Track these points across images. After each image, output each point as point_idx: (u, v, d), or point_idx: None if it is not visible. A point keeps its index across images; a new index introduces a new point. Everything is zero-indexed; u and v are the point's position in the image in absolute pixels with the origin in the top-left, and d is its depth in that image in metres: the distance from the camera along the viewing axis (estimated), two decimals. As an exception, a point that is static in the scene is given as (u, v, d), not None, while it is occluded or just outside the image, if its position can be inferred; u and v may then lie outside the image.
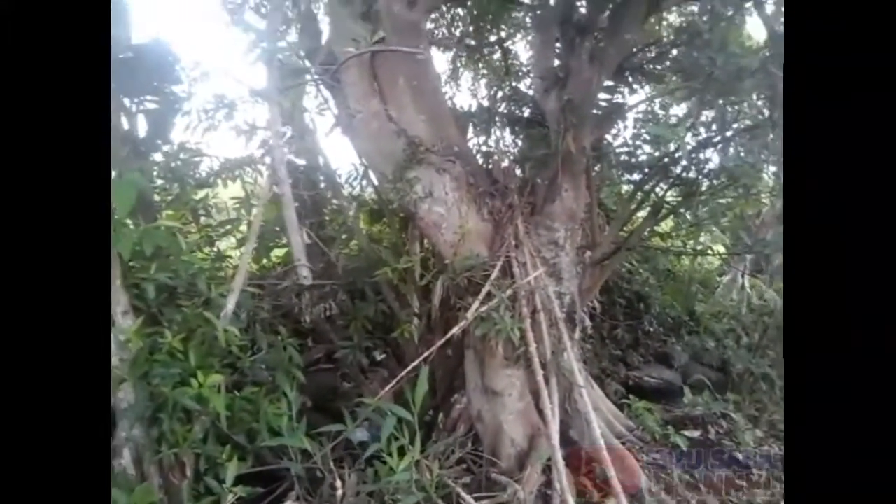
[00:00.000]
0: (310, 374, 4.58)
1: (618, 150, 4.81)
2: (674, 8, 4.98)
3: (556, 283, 3.87)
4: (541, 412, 3.34)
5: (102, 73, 1.53)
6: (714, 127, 3.59)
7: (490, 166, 4.30)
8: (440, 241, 3.76)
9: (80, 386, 1.38)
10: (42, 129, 1.40)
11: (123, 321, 2.73)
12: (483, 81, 7.14)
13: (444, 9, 6.02)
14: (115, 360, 2.66)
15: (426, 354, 3.07)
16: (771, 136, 3.60)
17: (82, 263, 1.42)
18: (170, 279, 2.91)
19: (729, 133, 3.65)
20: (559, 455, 3.09)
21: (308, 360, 4.87)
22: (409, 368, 3.07)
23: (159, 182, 4.54)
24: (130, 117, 4.54)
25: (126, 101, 4.46)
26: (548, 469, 3.28)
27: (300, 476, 2.90)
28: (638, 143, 4.64)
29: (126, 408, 2.65)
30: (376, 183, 4.79)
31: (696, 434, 4.38)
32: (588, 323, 4.96)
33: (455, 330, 3.26)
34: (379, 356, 5.58)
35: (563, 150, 3.77)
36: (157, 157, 4.53)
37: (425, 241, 4.70)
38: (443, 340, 3.27)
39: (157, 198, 4.31)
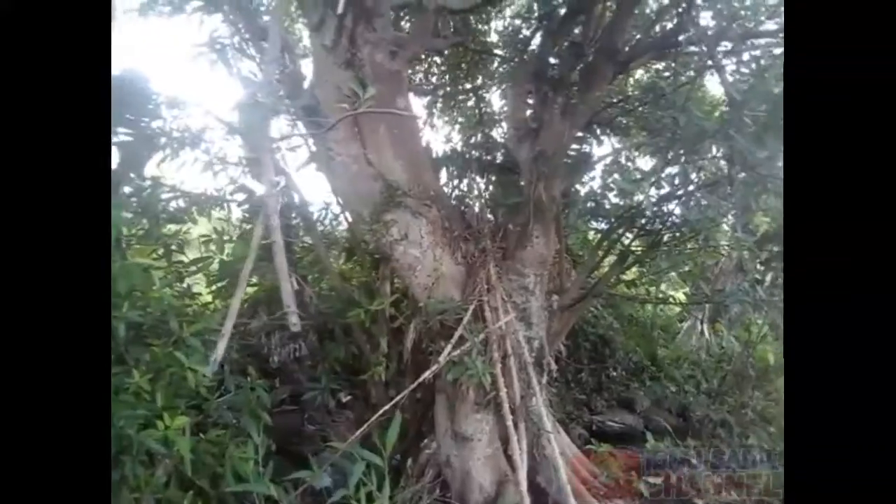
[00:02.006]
0: (274, 416, 4.49)
1: (585, 200, 5.00)
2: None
3: (526, 327, 3.95)
4: (509, 458, 3.36)
5: (103, 76, 1.54)
6: (677, 181, 3.81)
7: (464, 211, 4.41)
8: (414, 283, 3.81)
9: (80, 389, 1.38)
10: (42, 133, 1.40)
11: (89, 360, 2.65)
12: (457, 127, 7.37)
13: (423, 57, 6.24)
14: (77, 401, 2.58)
15: (398, 398, 3.08)
16: (729, 190, 3.84)
17: (82, 267, 1.42)
18: (139, 317, 2.86)
19: (690, 188, 3.87)
20: (527, 501, 3.10)
21: (273, 401, 4.77)
22: (382, 412, 3.06)
23: (128, 216, 4.48)
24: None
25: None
26: None
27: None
28: (605, 192, 4.85)
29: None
30: (350, 220, 4.83)
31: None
32: (554, 367, 5.04)
33: (428, 374, 3.28)
34: (344, 398, 5.50)
35: (534, 198, 3.92)
36: (126, 189, 4.50)
37: (395, 281, 4.74)
38: (415, 384, 3.28)
39: (125, 231, 4.24)
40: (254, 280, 4.81)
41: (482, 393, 3.44)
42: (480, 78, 6.57)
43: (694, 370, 6.94)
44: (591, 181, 4.87)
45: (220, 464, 2.97)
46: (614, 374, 6.88)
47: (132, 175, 4.58)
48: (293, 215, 5.24)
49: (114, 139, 4.45)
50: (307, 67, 4.59)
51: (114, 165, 4.37)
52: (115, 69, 3.93)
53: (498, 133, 6.33)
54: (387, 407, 3.09)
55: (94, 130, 1.48)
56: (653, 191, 3.93)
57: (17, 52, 1.37)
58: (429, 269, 3.77)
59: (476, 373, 3.25)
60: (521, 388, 3.58)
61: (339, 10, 3.21)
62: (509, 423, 3.30)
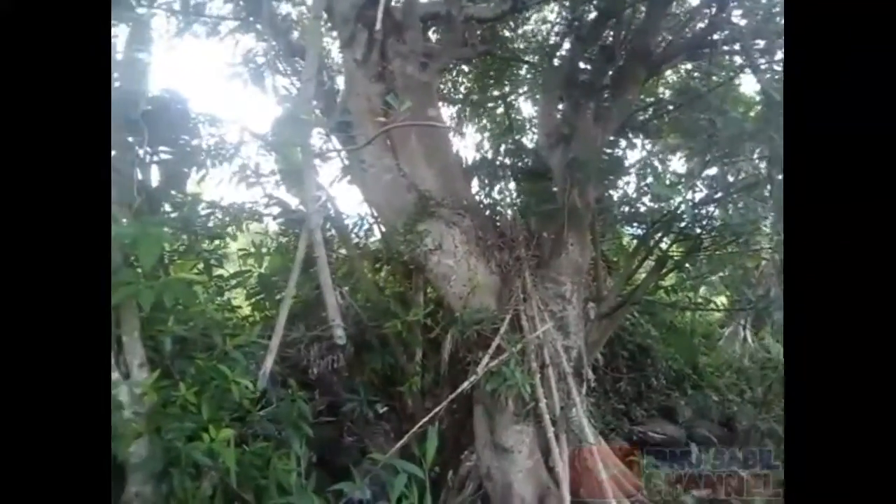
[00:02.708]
0: (315, 427, 4.52)
1: (620, 205, 4.92)
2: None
3: (564, 336, 3.89)
4: (550, 470, 3.30)
5: (103, 76, 1.53)
6: (714, 184, 3.72)
7: (497, 219, 4.39)
8: (449, 293, 3.81)
9: (80, 396, 1.37)
10: (42, 134, 1.39)
11: (139, 373, 2.73)
12: (487, 135, 7.36)
13: (452, 66, 6.27)
14: (128, 413, 2.65)
15: (437, 409, 3.06)
16: (768, 191, 3.71)
17: (82, 269, 1.41)
18: (184, 331, 2.93)
19: (729, 190, 3.77)
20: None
21: (312, 412, 4.81)
22: (421, 424, 3.05)
23: (167, 230, 4.60)
24: (143, 168, 4.66)
25: (140, 152, 4.60)
26: None
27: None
28: (640, 197, 4.76)
29: (138, 462, 2.62)
30: (384, 230, 4.87)
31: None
32: (591, 376, 4.95)
33: (466, 385, 3.26)
34: (381, 409, 5.51)
35: (568, 205, 3.87)
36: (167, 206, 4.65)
37: (429, 291, 4.74)
38: (453, 395, 3.27)
39: (168, 248, 4.37)
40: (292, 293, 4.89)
41: (521, 404, 3.39)
42: (509, 85, 6.56)
43: (738, 378, 6.72)
44: (626, 186, 4.80)
45: (264, 476, 2.99)
46: (654, 383, 6.72)
47: (173, 192, 4.74)
48: (328, 227, 5.32)
49: (155, 158, 4.63)
50: (339, 81, 4.68)
51: (155, 183, 4.53)
52: (155, 89, 4.07)
53: (528, 140, 6.31)
54: (426, 419, 3.08)
55: (94, 131, 1.47)
56: (690, 194, 3.85)
57: (17, 52, 1.37)
58: (463, 278, 3.76)
59: (515, 383, 3.21)
60: (560, 399, 3.52)
61: (377, 27, 3.25)
62: (550, 434, 3.25)
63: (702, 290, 6.55)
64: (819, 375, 1.32)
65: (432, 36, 5.58)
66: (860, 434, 1.26)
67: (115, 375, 2.70)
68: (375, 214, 4.71)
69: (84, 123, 1.45)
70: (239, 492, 2.88)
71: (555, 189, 4.19)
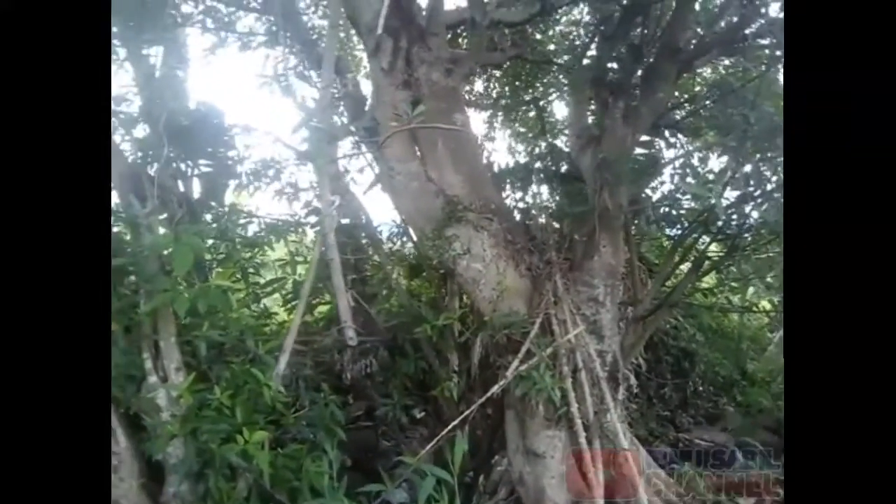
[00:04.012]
0: (349, 432, 4.58)
1: (656, 205, 4.80)
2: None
3: (598, 340, 3.82)
4: (584, 476, 3.23)
5: (103, 75, 1.53)
6: (752, 181, 3.57)
7: (528, 223, 4.36)
8: (478, 297, 3.80)
9: (80, 398, 1.38)
10: (42, 133, 1.40)
11: (176, 377, 2.84)
12: (519, 139, 7.33)
13: (480, 70, 6.29)
14: (165, 416, 2.76)
15: (465, 414, 3.06)
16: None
17: (81, 270, 1.42)
18: (220, 336, 3.03)
19: (768, 187, 3.61)
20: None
21: (348, 417, 4.89)
22: (449, 428, 3.05)
23: (210, 242, 4.80)
24: (185, 180, 4.88)
25: (182, 166, 4.82)
26: None
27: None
28: (677, 196, 4.63)
29: (175, 463, 2.72)
30: (415, 238, 4.91)
31: (750, 502, 4.12)
32: (633, 381, 4.82)
33: (495, 389, 3.24)
34: (418, 414, 5.54)
35: (600, 207, 3.81)
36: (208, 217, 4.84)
37: (464, 296, 4.74)
38: (482, 400, 3.25)
39: (207, 256, 4.54)
40: (327, 298, 4.99)
41: (552, 408, 3.34)
42: (541, 88, 6.52)
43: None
44: (662, 185, 4.67)
45: (298, 478, 3.06)
46: (700, 388, 6.49)
47: (213, 203, 4.94)
48: (362, 235, 5.41)
49: (195, 171, 4.84)
50: (368, 90, 4.76)
51: (195, 195, 4.73)
52: (192, 103, 4.26)
53: (561, 142, 6.25)
54: (455, 423, 3.08)
55: (94, 131, 1.47)
56: (729, 192, 3.71)
57: (17, 51, 1.37)
58: (493, 282, 3.75)
59: (544, 387, 3.17)
60: (594, 404, 3.45)
61: (379, 29, 3.30)
62: (582, 439, 3.19)
63: (750, 292, 6.31)
64: (820, 382, 1.32)
65: (461, 42, 5.63)
66: (861, 436, 1.26)
67: (153, 379, 2.83)
68: (405, 220, 4.74)
69: (84, 123, 1.45)
70: (273, 493, 2.95)
71: (586, 191, 4.13)
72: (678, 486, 4.18)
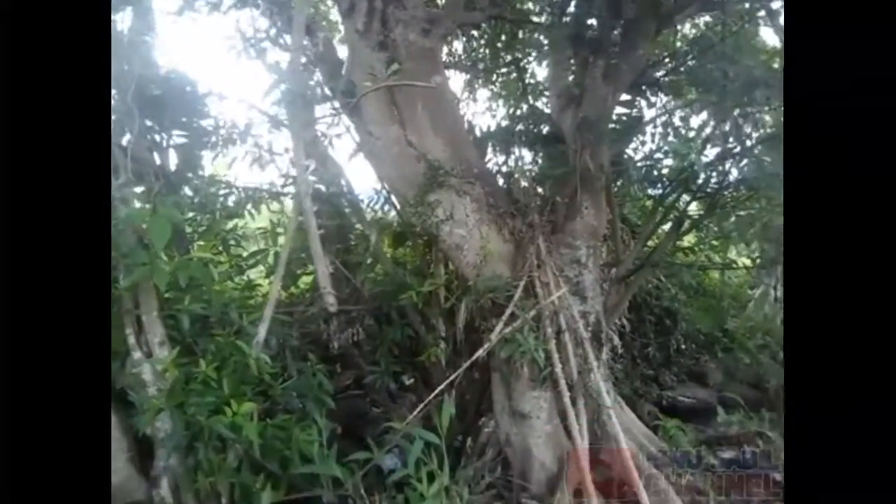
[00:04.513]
0: (340, 401, 4.61)
1: (638, 165, 4.79)
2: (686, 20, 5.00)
3: (581, 302, 3.86)
4: (570, 434, 3.30)
5: (102, 73, 1.53)
6: (731, 138, 3.57)
7: (510, 187, 4.34)
8: (462, 262, 3.80)
9: (79, 392, 1.39)
10: (42, 130, 1.39)
11: (160, 351, 2.82)
12: (500, 101, 7.22)
13: (459, 32, 6.13)
14: (152, 391, 2.75)
15: (451, 378, 3.09)
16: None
17: (82, 266, 1.42)
18: (203, 309, 3.00)
19: (748, 143, 3.61)
20: (589, 478, 3.05)
21: (337, 386, 4.92)
22: (436, 393, 3.08)
23: (190, 214, 4.72)
24: (161, 152, 4.76)
25: (157, 137, 4.70)
26: (579, 492, 3.23)
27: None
28: (658, 156, 4.62)
29: (164, 437, 2.72)
30: (398, 207, 4.87)
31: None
32: (617, 342, 4.89)
33: (480, 353, 3.26)
34: (407, 381, 5.59)
35: (581, 168, 3.79)
36: (187, 190, 4.75)
37: (449, 264, 4.74)
38: (467, 364, 3.28)
39: (188, 229, 4.46)
40: (311, 268, 4.96)
41: (536, 370, 3.39)
42: (520, 48, 6.38)
43: (768, 339, 6.55)
44: (643, 146, 4.66)
45: (288, 447, 3.08)
46: (683, 347, 6.62)
47: (190, 175, 4.83)
48: (345, 204, 5.34)
49: (170, 142, 4.72)
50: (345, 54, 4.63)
51: (172, 167, 4.62)
52: (161, 71, 4.11)
53: (542, 104, 6.16)
54: (441, 387, 3.11)
55: (94, 127, 1.46)
56: (706, 148, 3.71)
57: (17, 49, 1.36)
58: (476, 247, 3.75)
59: (528, 349, 3.20)
60: (578, 364, 3.51)
61: None
62: (566, 399, 3.24)
63: (731, 252, 6.38)
64: (820, 381, 1.32)
65: (439, 2, 5.46)
66: (861, 433, 1.26)
67: (137, 354, 2.80)
68: (388, 187, 4.69)
69: (84, 120, 1.45)
70: (263, 462, 2.97)
71: (568, 152, 4.10)
72: (660, 441, 4.31)
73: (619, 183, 4.84)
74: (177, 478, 2.77)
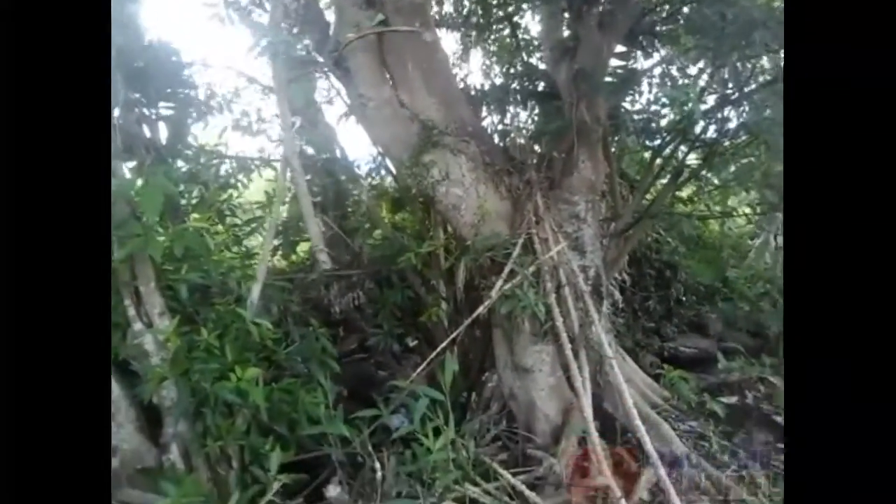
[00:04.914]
0: (346, 365, 4.66)
1: (636, 117, 4.71)
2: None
3: (580, 256, 3.85)
4: (573, 386, 3.34)
5: (102, 70, 1.51)
6: (730, 84, 3.49)
7: (506, 144, 4.28)
8: (460, 223, 3.78)
9: (80, 387, 1.38)
10: (42, 128, 1.38)
11: (160, 322, 2.83)
12: (494, 59, 7.05)
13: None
14: (155, 360, 2.77)
15: (453, 336, 3.12)
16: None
17: (82, 263, 1.41)
18: (202, 279, 3.00)
19: (747, 89, 3.54)
20: (593, 427, 3.10)
21: (343, 350, 4.96)
22: (438, 350, 3.11)
23: (183, 186, 4.69)
24: (150, 125, 4.70)
25: (145, 111, 4.62)
26: (584, 441, 3.29)
27: (342, 462, 2.97)
28: (655, 107, 4.54)
29: (170, 405, 2.76)
30: (394, 171, 4.83)
31: (733, 400, 4.33)
32: (618, 296, 4.91)
33: (480, 310, 3.28)
34: (411, 342, 5.64)
35: (577, 121, 3.73)
36: (179, 162, 4.70)
37: (448, 226, 4.72)
38: (468, 321, 3.30)
39: (183, 202, 4.43)
40: (308, 236, 4.94)
41: (537, 324, 3.41)
42: (513, 2, 6.20)
43: (769, 287, 6.58)
44: (640, 97, 4.57)
45: (295, 410, 3.13)
46: (683, 299, 6.66)
47: (181, 147, 4.77)
48: (339, 170, 5.30)
49: (158, 113, 4.65)
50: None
51: (162, 140, 4.56)
52: (144, 42, 4.00)
53: (537, 59, 6.02)
54: (443, 345, 3.14)
55: (94, 124, 1.45)
56: (704, 95, 3.63)
57: (16, 47, 1.35)
58: (473, 206, 3.72)
59: (528, 304, 3.21)
60: (578, 317, 3.53)
61: None
62: (568, 351, 3.27)
63: (730, 201, 6.34)
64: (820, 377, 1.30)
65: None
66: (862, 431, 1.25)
67: (137, 325, 2.81)
68: (382, 151, 4.63)
69: (84, 116, 1.43)
70: (271, 425, 3.02)
71: (564, 108, 4.03)
72: (662, 389, 4.37)
73: (616, 137, 4.77)
74: (186, 443, 2.82)
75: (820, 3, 1.37)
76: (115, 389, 2.80)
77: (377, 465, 2.72)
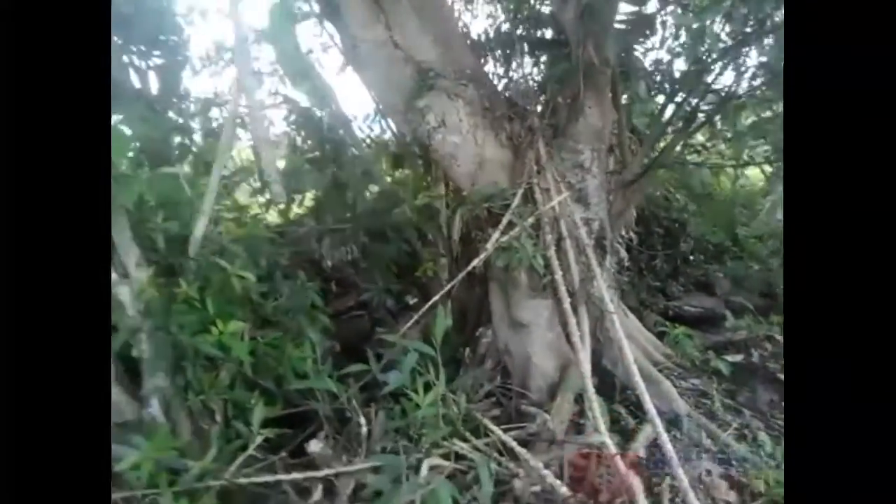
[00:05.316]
0: (342, 321, 4.55)
1: (648, 63, 4.43)
2: None
3: (584, 208, 3.67)
4: (571, 342, 3.21)
5: (102, 73, 1.46)
6: (751, 18, 3.20)
7: (508, 88, 4.04)
8: (457, 172, 3.59)
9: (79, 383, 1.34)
10: (42, 125, 1.34)
11: (137, 273, 2.69)
12: (500, 5, 6.68)
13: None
14: (132, 312, 2.65)
15: (446, 289, 2.97)
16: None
17: (82, 260, 1.37)
18: (181, 229, 2.84)
19: (768, 24, 3.25)
20: (590, 384, 2.97)
21: (338, 308, 4.85)
22: (429, 304, 2.97)
23: (178, 140, 4.55)
24: (141, 74, 4.54)
25: (135, 60, 4.45)
26: (580, 398, 3.18)
27: (328, 417, 2.88)
28: (668, 53, 4.26)
29: (148, 358, 2.65)
30: (392, 124, 4.62)
31: (738, 358, 4.19)
32: (624, 254, 4.75)
33: (475, 262, 3.12)
34: (411, 300, 5.53)
35: (584, 63, 3.48)
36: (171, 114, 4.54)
37: (451, 182, 4.53)
38: (462, 274, 3.15)
39: (177, 153, 4.27)
40: (310, 195, 4.78)
41: (536, 278, 3.25)
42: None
43: (779, 245, 6.35)
44: (652, 39, 4.26)
45: (281, 364, 3.03)
46: (691, 258, 6.47)
47: (175, 99, 4.61)
48: (336, 124, 5.08)
49: (150, 63, 4.48)
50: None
51: (154, 91, 4.39)
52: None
53: (546, 3, 5.68)
54: (435, 298, 2.99)
55: (93, 122, 1.40)
56: (723, 34, 3.35)
57: (16, 46, 1.31)
58: (471, 155, 3.52)
59: (525, 256, 3.05)
60: (580, 271, 3.37)
61: None
62: (566, 306, 3.12)
63: (745, 155, 6.04)
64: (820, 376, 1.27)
65: None
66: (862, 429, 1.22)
67: (113, 276, 2.68)
68: (376, 98, 4.40)
69: (83, 115, 1.39)
70: (257, 379, 2.93)
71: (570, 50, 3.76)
72: (665, 347, 4.24)
73: (627, 88, 4.49)
74: (167, 397, 2.73)
75: (820, 3, 1.32)
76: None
77: (362, 420, 2.62)
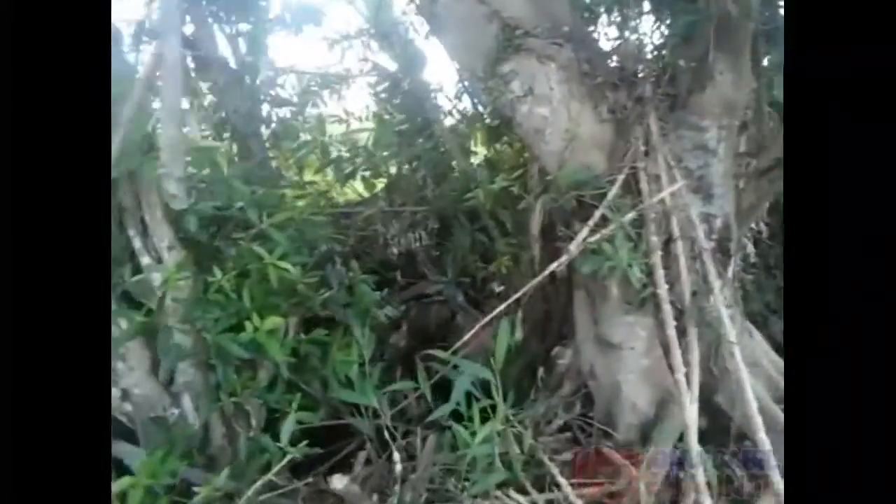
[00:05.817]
0: (425, 307, 4.15)
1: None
2: None
3: (704, 201, 2.92)
4: (673, 371, 2.54)
5: (102, 73, 1.43)
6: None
7: (614, 48, 3.35)
8: (543, 151, 3.00)
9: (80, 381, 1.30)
10: (42, 124, 1.30)
11: (169, 257, 2.45)
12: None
13: None
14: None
15: (513, 298, 2.43)
16: None
17: (82, 260, 1.33)
18: (217, 210, 2.54)
19: None
20: (695, 428, 2.32)
21: (414, 293, 4.48)
22: (492, 315, 2.44)
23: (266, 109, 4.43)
24: (233, 41, 4.52)
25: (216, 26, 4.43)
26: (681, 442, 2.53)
27: (370, 436, 2.50)
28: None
29: (174, 351, 2.42)
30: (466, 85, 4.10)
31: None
32: (751, 249, 3.94)
33: (553, 266, 2.53)
34: (497, 288, 5.06)
35: (717, 15, 2.71)
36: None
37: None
38: (535, 281, 2.57)
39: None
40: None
41: (632, 289, 2.61)
42: None
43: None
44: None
45: (326, 367, 2.70)
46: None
47: (259, 66, 4.51)
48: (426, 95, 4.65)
49: (234, 30, 4.44)
50: None
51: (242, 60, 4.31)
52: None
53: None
54: (500, 308, 2.46)
55: (93, 125, 1.37)
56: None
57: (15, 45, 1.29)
58: (562, 130, 2.90)
59: (619, 263, 2.41)
60: (692, 282, 2.67)
61: None
62: (670, 329, 2.46)
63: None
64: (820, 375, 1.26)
65: None
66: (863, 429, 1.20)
67: (146, 260, 2.45)
68: (457, 64, 3.88)
69: (84, 116, 1.35)
70: (298, 381, 2.62)
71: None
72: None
73: (771, 48, 3.58)
74: (198, 395, 2.49)
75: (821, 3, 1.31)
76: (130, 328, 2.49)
77: (396, 455, 2.18)
